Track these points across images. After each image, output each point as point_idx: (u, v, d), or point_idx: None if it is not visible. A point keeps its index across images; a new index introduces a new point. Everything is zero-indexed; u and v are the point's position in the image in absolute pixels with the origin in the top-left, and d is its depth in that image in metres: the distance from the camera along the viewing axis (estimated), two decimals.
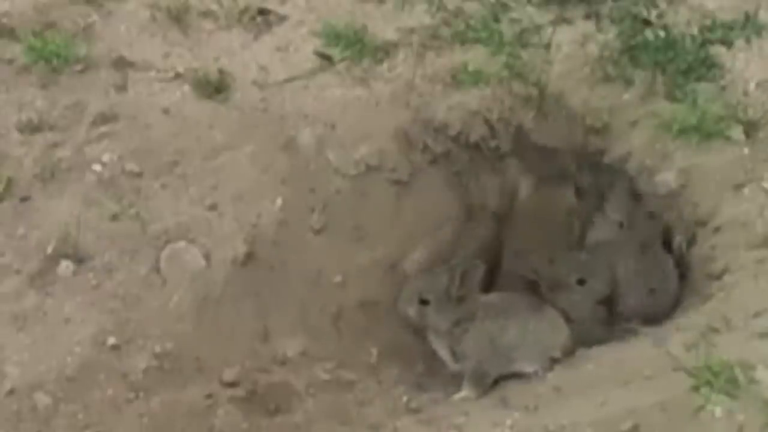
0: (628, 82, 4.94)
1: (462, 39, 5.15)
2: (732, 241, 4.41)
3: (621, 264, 4.70)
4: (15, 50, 4.96)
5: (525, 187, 5.04)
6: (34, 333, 4.25)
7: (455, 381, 4.43)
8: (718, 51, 5.01)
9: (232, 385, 4.29)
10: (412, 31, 5.19)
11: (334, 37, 5.13)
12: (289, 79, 5.02)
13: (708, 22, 5.12)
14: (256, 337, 4.48)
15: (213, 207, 4.61)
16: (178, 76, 4.97)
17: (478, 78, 4.98)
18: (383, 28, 5.21)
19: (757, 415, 3.52)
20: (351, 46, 5.10)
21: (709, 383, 3.61)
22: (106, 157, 4.66)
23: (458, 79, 5.00)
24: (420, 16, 5.26)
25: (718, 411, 3.55)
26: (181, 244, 4.49)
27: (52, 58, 4.91)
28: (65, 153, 4.66)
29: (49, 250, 4.40)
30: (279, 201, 4.67)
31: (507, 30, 5.17)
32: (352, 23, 5.19)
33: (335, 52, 5.10)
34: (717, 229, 4.50)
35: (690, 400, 3.59)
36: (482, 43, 5.11)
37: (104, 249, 4.44)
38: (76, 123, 4.76)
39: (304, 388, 4.38)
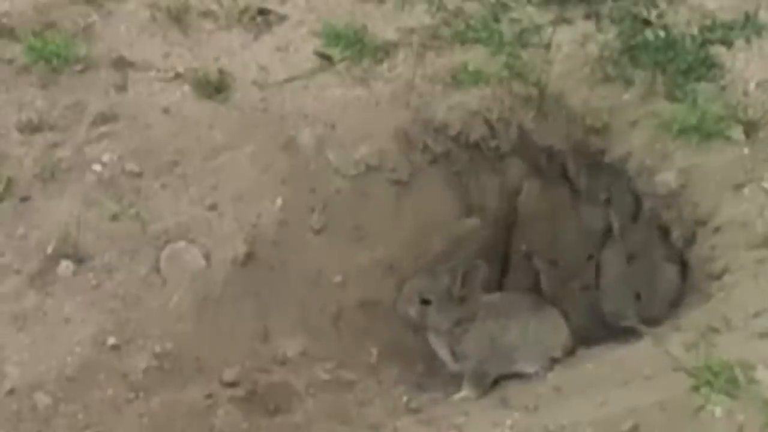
0: (628, 82, 4.94)
1: (462, 39, 5.14)
2: (732, 241, 4.40)
3: (607, 269, 4.74)
4: (15, 50, 4.96)
5: (530, 188, 5.03)
6: (34, 333, 4.25)
7: (455, 381, 4.43)
8: (718, 51, 5.00)
9: (232, 385, 4.29)
10: (412, 31, 5.18)
11: (334, 37, 5.13)
12: (289, 79, 5.02)
13: (708, 22, 5.11)
14: (256, 337, 4.48)
15: (213, 207, 4.61)
16: (178, 76, 4.97)
17: (478, 78, 4.98)
18: (383, 28, 5.21)
19: (757, 415, 3.52)
20: (351, 46, 5.10)
21: (709, 383, 3.60)
22: (106, 157, 4.66)
23: (458, 79, 4.99)
24: (420, 16, 5.26)
25: (718, 411, 3.54)
26: (181, 244, 4.49)
27: (52, 58, 4.91)
28: (65, 153, 4.66)
29: (49, 250, 4.40)
30: (279, 201, 4.67)
31: (507, 30, 5.16)
32: (352, 23, 5.18)
33: (335, 52, 5.10)
34: (717, 229, 4.49)
35: (690, 400, 3.59)
36: (482, 43, 5.11)
37: (104, 249, 4.44)
38: (76, 123, 4.76)
39: (304, 388, 4.38)
